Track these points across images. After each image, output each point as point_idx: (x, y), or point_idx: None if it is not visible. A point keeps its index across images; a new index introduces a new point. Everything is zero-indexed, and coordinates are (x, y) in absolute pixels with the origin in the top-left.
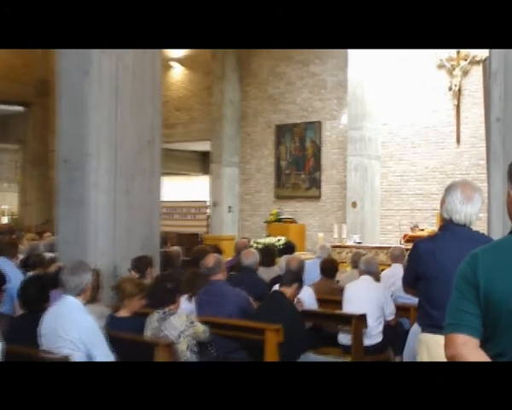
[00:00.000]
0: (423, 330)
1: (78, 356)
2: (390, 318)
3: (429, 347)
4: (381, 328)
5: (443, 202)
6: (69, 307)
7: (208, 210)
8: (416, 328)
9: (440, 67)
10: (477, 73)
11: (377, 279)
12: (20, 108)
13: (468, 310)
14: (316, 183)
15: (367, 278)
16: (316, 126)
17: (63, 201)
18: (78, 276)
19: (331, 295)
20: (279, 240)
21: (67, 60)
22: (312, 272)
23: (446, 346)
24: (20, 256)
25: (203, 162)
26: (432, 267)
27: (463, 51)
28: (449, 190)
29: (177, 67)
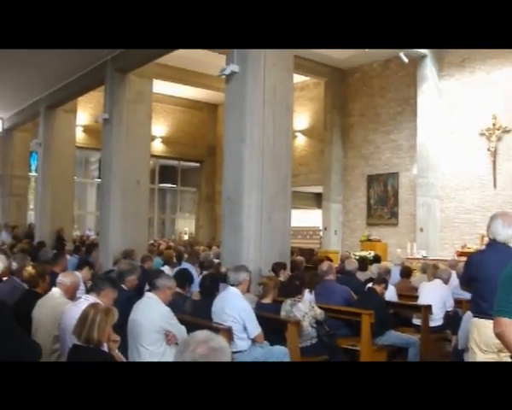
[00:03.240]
0: (474, 316)
1: (236, 327)
2: (449, 308)
3: (478, 327)
4: (442, 315)
5: (488, 226)
6: (232, 294)
7: (321, 233)
8: (468, 314)
9: (482, 134)
10: (507, 139)
11: (445, 283)
12: (196, 164)
13: (511, 301)
14: (395, 215)
15: (438, 281)
16: (395, 176)
17: (227, 225)
18: (238, 274)
19: (407, 292)
20: (370, 253)
21: (230, 131)
22: (393, 276)
23: (495, 326)
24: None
25: (317, 200)
26: (480, 272)
27: (498, 123)
28: (493, 218)
29: (300, 136)
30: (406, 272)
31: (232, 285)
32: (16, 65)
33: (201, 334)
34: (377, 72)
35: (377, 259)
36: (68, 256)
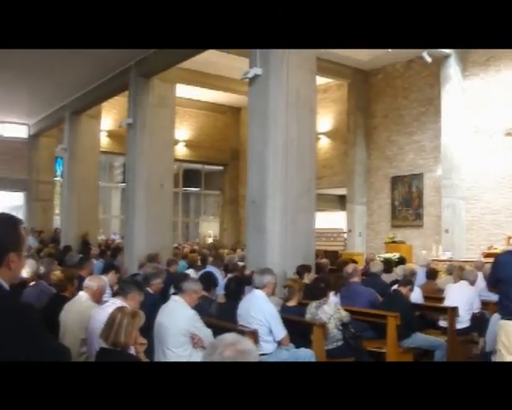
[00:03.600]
0: (502, 318)
1: (262, 330)
2: (476, 310)
3: (506, 330)
4: (469, 317)
5: None
6: (257, 297)
7: (345, 235)
8: (496, 316)
9: (508, 134)
10: None
11: (472, 284)
12: (220, 168)
13: None
14: (419, 216)
15: (464, 283)
16: (419, 177)
17: (251, 228)
18: (263, 276)
19: (433, 293)
20: (394, 255)
21: (254, 134)
22: (419, 277)
23: None
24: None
25: (341, 202)
26: (507, 274)
27: None
28: None
29: (323, 138)
30: (432, 274)
31: (257, 288)
32: (42, 71)
33: (229, 337)
34: (400, 72)
35: (402, 261)
36: (94, 260)
